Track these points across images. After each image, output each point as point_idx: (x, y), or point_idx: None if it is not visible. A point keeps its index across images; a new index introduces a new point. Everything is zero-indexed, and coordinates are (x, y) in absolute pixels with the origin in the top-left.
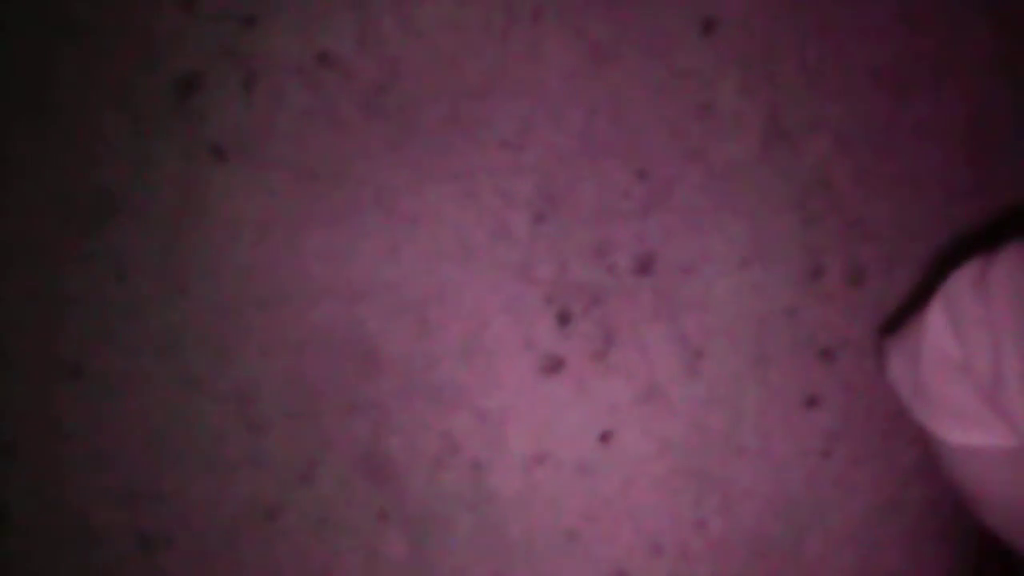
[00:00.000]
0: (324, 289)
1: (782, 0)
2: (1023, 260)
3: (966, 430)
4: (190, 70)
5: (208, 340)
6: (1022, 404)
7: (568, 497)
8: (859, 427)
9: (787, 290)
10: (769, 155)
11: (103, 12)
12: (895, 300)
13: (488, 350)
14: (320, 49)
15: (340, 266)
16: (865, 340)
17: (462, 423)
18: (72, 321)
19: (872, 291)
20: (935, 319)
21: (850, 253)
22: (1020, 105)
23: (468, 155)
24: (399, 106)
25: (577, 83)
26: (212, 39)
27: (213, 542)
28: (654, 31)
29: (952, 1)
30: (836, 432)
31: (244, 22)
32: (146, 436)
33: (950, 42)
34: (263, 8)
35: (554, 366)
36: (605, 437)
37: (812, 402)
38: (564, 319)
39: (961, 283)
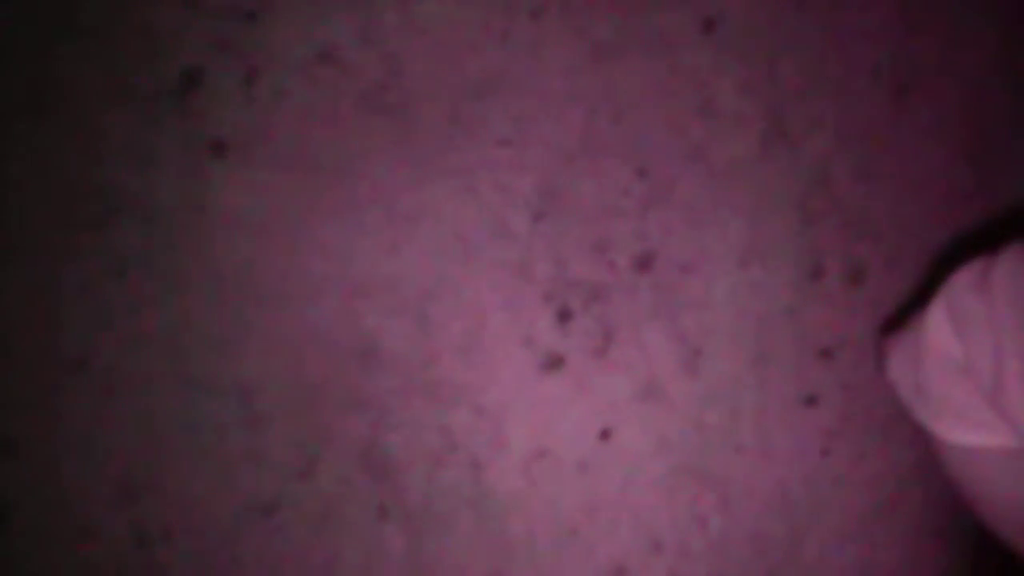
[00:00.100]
0: (324, 286)
1: None
2: None
3: (967, 430)
4: (191, 66)
5: (208, 337)
6: (1023, 404)
7: (567, 494)
8: (858, 426)
9: (787, 289)
10: (769, 154)
11: (103, 7)
12: (894, 300)
13: (488, 347)
14: (321, 45)
15: (340, 263)
16: (864, 339)
17: (462, 420)
18: (72, 318)
19: (871, 291)
20: (936, 319)
21: (850, 253)
22: (1020, 106)
23: (468, 152)
24: (400, 103)
25: (577, 81)
26: (213, 35)
27: (212, 538)
28: (655, 30)
29: (952, 1)
30: (835, 431)
31: (245, 18)
32: (146, 432)
33: (950, 42)
34: (264, 4)
35: (554, 363)
36: (604, 435)
37: (811, 401)
38: (564, 316)
39: (962, 283)
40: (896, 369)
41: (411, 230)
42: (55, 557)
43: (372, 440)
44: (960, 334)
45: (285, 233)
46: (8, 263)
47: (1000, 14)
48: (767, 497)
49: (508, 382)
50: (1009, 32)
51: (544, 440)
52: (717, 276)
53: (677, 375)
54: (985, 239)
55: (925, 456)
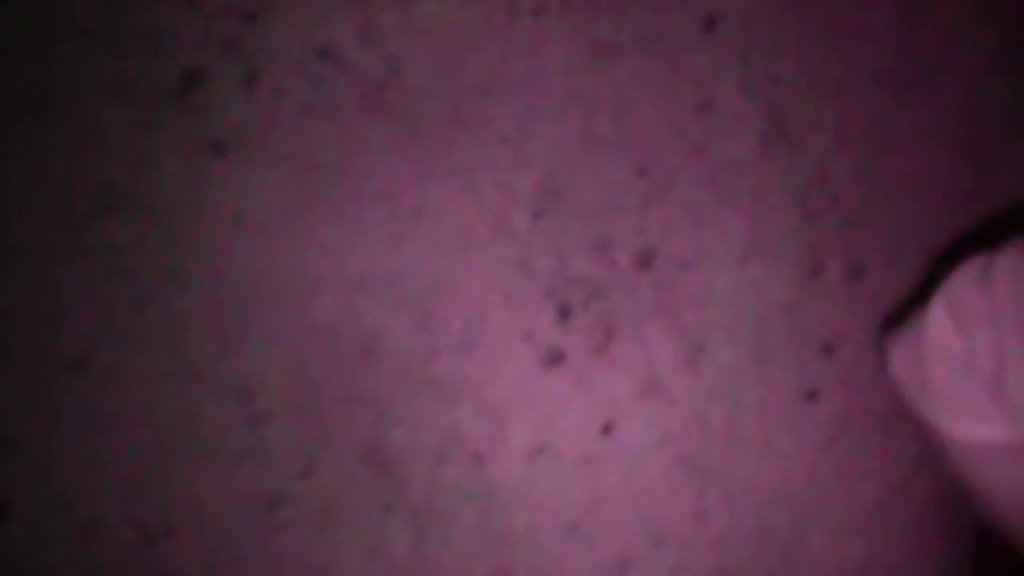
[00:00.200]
0: (324, 283)
1: None
2: None
3: (969, 425)
4: (191, 65)
5: (209, 334)
6: None
7: (570, 489)
8: (859, 421)
9: (787, 286)
10: (769, 152)
11: (103, 7)
12: (894, 296)
13: (489, 343)
14: (321, 44)
15: (341, 260)
16: (865, 335)
17: (464, 416)
18: (73, 315)
19: (872, 287)
20: (938, 314)
21: (850, 249)
22: (1019, 105)
23: (469, 150)
24: (400, 102)
25: (578, 80)
26: (213, 34)
27: (215, 536)
28: (655, 28)
29: (952, 1)
30: (836, 426)
31: (245, 17)
32: (147, 429)
33: (950, 41)
34: (264, 3)
35: (555, 359)
36: (607, 429)
37: (812, 396)
38: (564, 313)
39: (964, 279)
40: (898, 365)
41: (412, 228)
42: (56, 555)
43: (374, 437)
44: (962, 330)
45: (285, 231)
46: (8, 262)
47: (999, 14)
48: (769, 492)
49: (510, 378)
50: (1008, 32)
51: (546, 435)
52: (717, 273)
53: (678, 371)
54: (985, 237)
55: (926, 451)
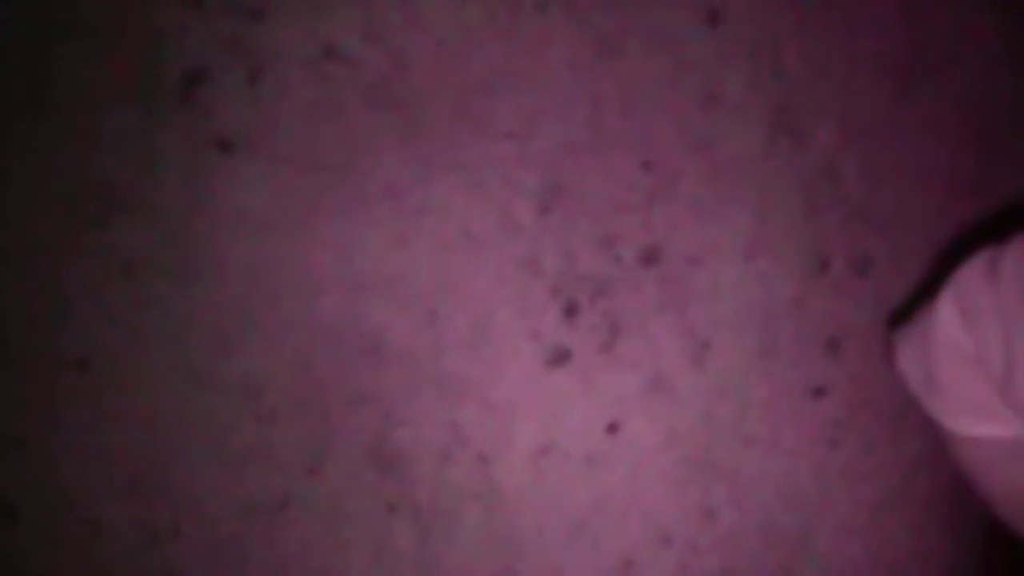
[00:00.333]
0: (330, 281)
1: None
2: None
3: (976, 421)
4: (196, 64)
5: (214, 333)
6: None
7: (576, 488)
8: (866, 417)
9: (793, 281)
10: (775, 147)
11: (105, 7)
12: (901, 291)
13: (495, 342)
14: (326, 42)
15: (346, 258)
16: (871, 331)
17: (469, 415)
18: (78, 315)
19: (878, 282)
20: (945, 310)
21: (856, 244)
22: (1022, 100)
23: (474, 147)
24: (405, 99)
25: (583, 75)
26: (218, 32)
27: (221, 535)
28: (660, 23)
29: None
30: (843, 422)
31: (250, 15)
32: (153, 429)
33: (954, 36)
34: (269, 1)
35: (561, 357)
36: (612, 428)
37: (819, 392)
38: (571, 311)
39: (971, 274)
40: (905, 361)
41: (417, 225)
42: (63, 555)
43: (380, 436)
44: (969, 325)
45: (290, 230)
46: (11, 262)
47: (1002, 9)
48: (776, 489)
49: (516, 376)
50: (1011, 27)
51: (552, 434)
52: (723, 269)
53: (684, 368)
54: (989, 231)
55: (932, 448)
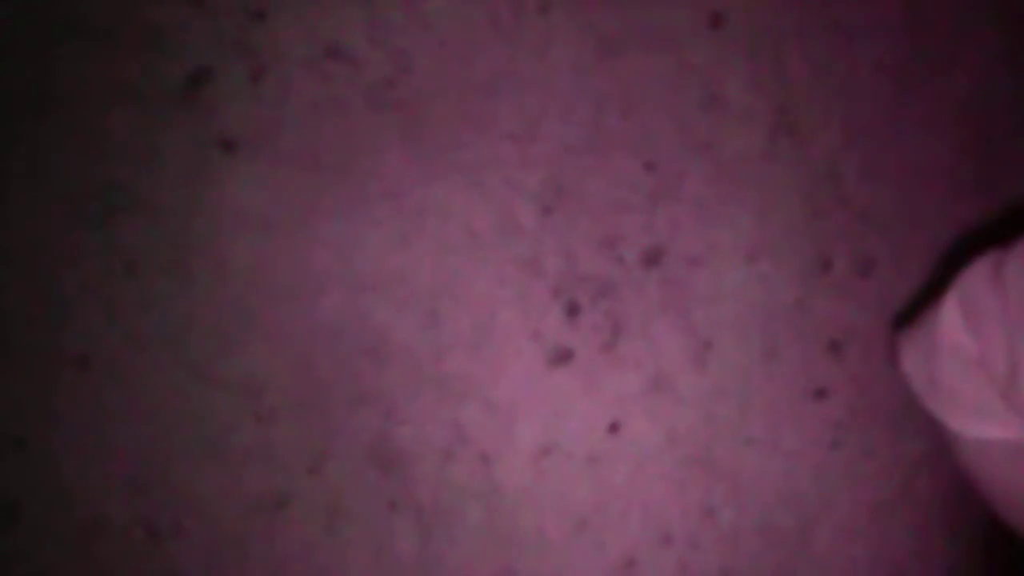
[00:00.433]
0: (332, 280)
1: None
2: None
3: (980, 423)
4: (199, 63)
5: (216, 332)
6: None
7: (577, 488)
8: (867, 419)
9: (795, 283)
10: (777, 148)
11: (107, 7)
12: (903, 292)
13: (496, 341)
14: (329, 42)
15: (348, 258)
16: (873, 332)
17: (471, 414)
18: (79, 314)
19: (880, 283)
20: (950, 312)
21: (858, 245)
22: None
23: (476, 147)
24: (407, 99)
25: (585, 76)
26: (220, 32)
27: (222, 533)
28: (662, 24)
29: None
30: (844, 423)
31: (253, 15)
32: (154, 428)
33: (955, 37)
34: (272, 1)
35: (562, 357)
36: (614, 428)
37: (821, 393)
38: (572, 311)
39: (976, 276)
40: (909, 362)
41: (419, 225)
42: (65, 553)
43: (381, 435)
44: (973, 327)
45: (292, 229)
46: (13, 262)
47: (1002, 11)
48: (777, 490)
49: (517, 376)
50: (1011, 28)
51: (553, 434)
52: (725, 270)
53: (686, 368)
54: (992, 232)
55: (933, 449)
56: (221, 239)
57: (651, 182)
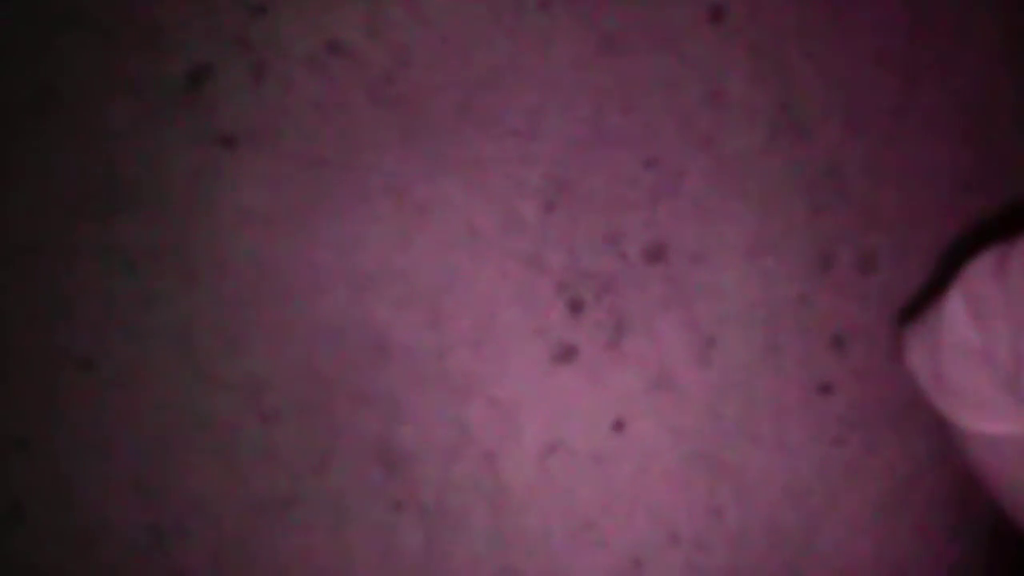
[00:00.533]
0: (333, 279)
1: None
2: None
3: (985, 418)
4: (200, 60)
5: (218, 331)
6: None
7: (582, 486)
8: (872, 415)
9: (798, 278)
10: (778, 144)
11: (112, 2)
12: (906, 288)
13: (500, 339)
14: (330, 38)
15: (350, 255)
16: (877, 327)
17: (475, 412)
18: (82, 313)
19: (883, 279)
20: (954, 307)
21: (860, 241)
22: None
23: (478, 144)
24: (409, 95)
25: (586, 73)
26: (222, 28)
27: (227, 533)
28: (663, 20)
29: None
30: (849, 420)
31: (254, 11)
32: (158, 428)
33: (957, 33)
34: None
35: (566, 355)
36: (618, 426)
37: (825, 389)
38: (576, 307)
39: (980, 271)
40: (914, 357)
41: (421, 222)
42: (70, 554)
43: (385, 434)
44: (978, 322)
45: (293, 227)
46: (14, 261)
47: (1003, 8)
48: (782, 487)
49: (521, 374)
50: (1012, 25)
51: (558, 432)
52: (728, 266)
53: (690, 365)
54: (993, 228)
55: (938, 446)
56: (222, 237)
57: (653, 178)
